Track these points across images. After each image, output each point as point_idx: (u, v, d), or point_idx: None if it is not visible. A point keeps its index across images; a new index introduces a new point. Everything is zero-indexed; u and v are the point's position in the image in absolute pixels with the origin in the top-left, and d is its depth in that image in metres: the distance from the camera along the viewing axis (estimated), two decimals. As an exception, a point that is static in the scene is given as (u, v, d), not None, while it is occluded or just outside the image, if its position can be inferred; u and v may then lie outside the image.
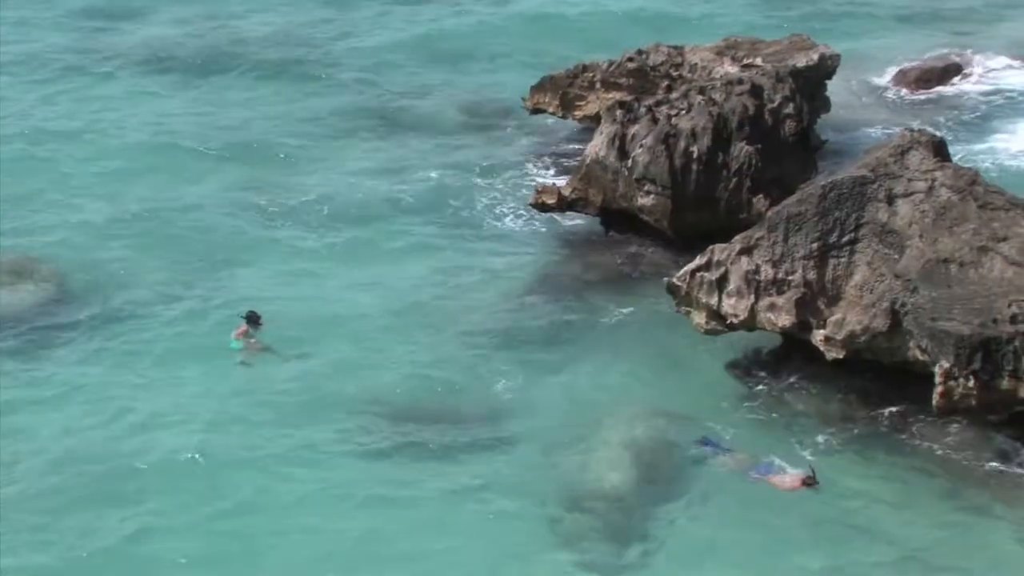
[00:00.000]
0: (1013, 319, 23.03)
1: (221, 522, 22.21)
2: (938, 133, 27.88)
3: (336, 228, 31.63)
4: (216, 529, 22.08)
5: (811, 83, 32.67)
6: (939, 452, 23.67)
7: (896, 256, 24.48)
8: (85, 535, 21.81)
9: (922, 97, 38.05)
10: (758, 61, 32.74)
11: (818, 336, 25.07)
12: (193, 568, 21.26)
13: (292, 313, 27.74)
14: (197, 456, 23.51)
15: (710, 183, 29.30)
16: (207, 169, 34.30)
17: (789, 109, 30.14)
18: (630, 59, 34.22)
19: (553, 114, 35.18)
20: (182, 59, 40.79)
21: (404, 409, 24.92)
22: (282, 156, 35.22)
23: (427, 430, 24.37)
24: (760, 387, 25.55)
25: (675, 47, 34.40)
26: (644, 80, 33.81)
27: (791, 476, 22.92)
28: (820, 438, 24.13)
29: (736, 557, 21.43)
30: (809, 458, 23.38)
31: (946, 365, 23.17)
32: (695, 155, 29.22)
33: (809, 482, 22.72)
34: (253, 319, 26.54)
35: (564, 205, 30.78)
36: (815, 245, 25.07)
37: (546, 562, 21.41)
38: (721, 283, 25.66)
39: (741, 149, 29.35)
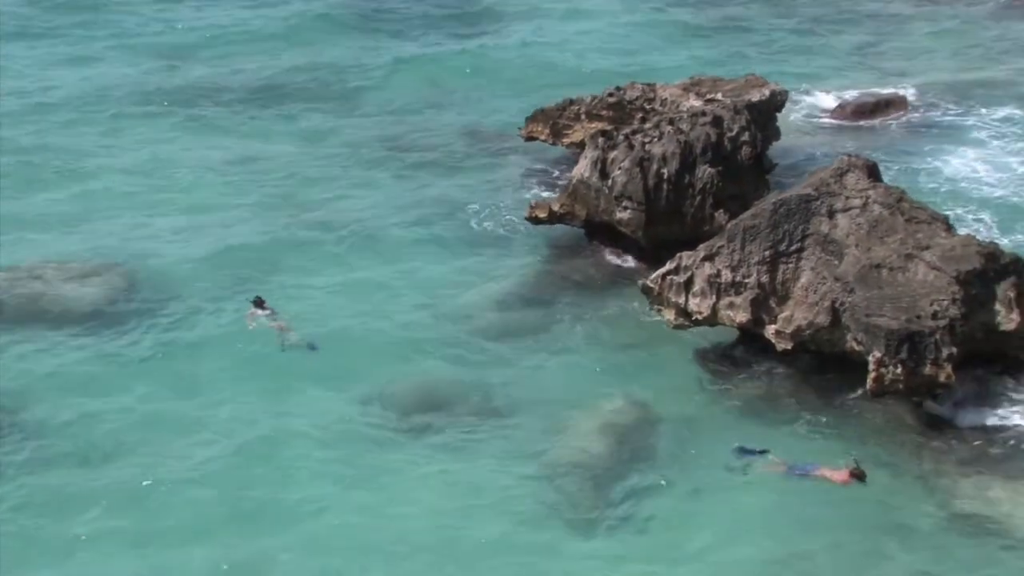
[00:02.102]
0: (934, 315, 23.32)
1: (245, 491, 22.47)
2: (871, 158, 27.92)
3: (351, 236, 31.53)
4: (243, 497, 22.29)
5: (764, 115, 32.52)
6: (873, 428, 23.86)
7: (836, 262, 24.68)
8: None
9: (859, 127, 38.03)
10: (719, 96, 32.67)
11: (770, 330, 25.26)
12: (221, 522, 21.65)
13: (311, 310, 27.95)
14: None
15: (678, 200, 29.42)
16: (249, 191, 34.15)
17: (745, 137, 30.28)
18: (610, 94, 34.15)
19: (545, 141, 35.02)
20: (226, 97, 40.44)
21: (405, 396, 24.92)
22: (312, 178, 35.02)
23: (427, 415, 24.39)
24: (720, 375, 25.66)
25: (648, 84, 34.34)
26: (622, 112, 33.76)
27: (840, 470, 22.04)
28: (773, 417, 24.22)
29: (706, 521, 21.63)
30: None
31: (878, 355, 23.39)
32: (665, 176, 29.36)
33: (857, 474, 21.80)
34: (259, 303, 27.47)
35: (554, 218, 30.85)
36: (767, 253, 25.27)
37: (534, 524, 21.51)
38: (688, 285, 25.82)
39: (705, 171, 29.49)
